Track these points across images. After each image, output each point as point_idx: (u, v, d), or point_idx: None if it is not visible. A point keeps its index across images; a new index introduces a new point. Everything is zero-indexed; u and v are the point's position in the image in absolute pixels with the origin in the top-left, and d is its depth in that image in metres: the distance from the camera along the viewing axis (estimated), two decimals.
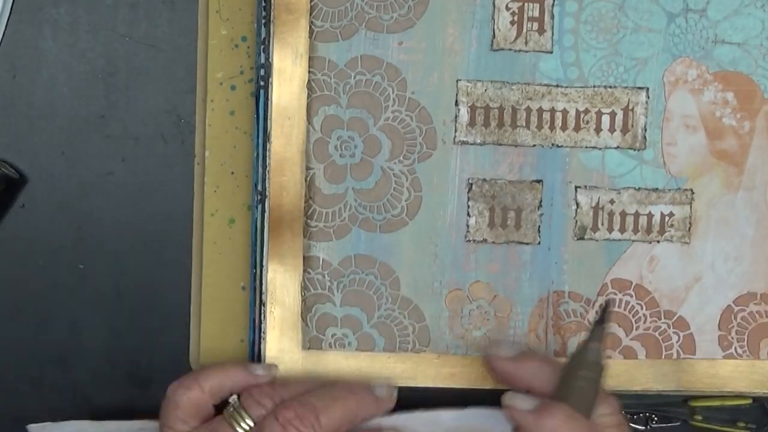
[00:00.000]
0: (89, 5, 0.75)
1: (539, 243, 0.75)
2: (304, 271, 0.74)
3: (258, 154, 0.73)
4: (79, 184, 0.76)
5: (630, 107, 0.75)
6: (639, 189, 0.75)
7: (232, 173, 0.75)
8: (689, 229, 0.75)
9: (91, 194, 0.76)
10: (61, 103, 0.75)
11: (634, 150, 0.75)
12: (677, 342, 0.76)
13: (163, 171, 0.76)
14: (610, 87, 0.75)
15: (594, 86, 0.74)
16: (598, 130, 0.75)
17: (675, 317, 0.75)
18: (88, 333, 0.76)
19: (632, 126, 0.75)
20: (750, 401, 0.77)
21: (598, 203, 0.75)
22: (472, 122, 0.74)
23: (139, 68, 0.75)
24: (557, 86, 0.74)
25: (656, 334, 0.75)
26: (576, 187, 0.75)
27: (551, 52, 0.74)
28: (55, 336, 0.76)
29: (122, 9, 0.75)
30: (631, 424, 0.77)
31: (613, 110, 0.75)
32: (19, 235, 0.76)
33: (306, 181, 0.73)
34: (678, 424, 0.77)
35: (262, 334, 0.74)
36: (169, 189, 0.76)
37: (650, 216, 0.75)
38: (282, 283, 0.73)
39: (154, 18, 0.75)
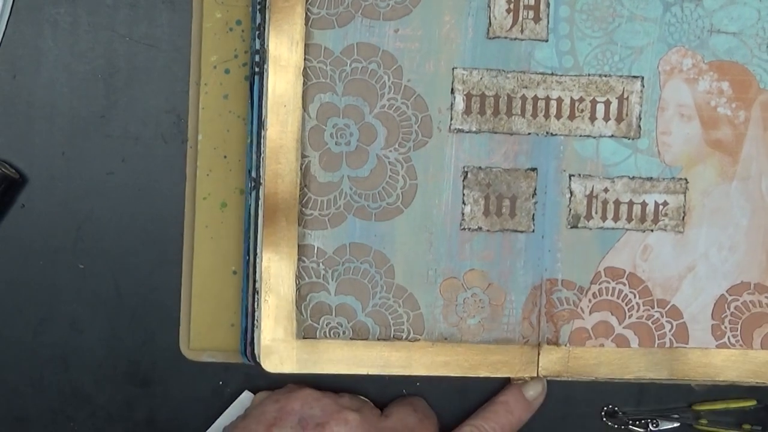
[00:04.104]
0: (89, 5, 0.74)
1: (533, 231, 0.75)
2: (299, 259, 0.73)
3: (252, 141, 0.73)
4: (79, 184, 0.75)
5: (625, 96, 0.74)
6: (633, 178, 0.75)
7: (225, 157, 0.75)
8: (683, 218, 0.75)
9: (91, 194, 0.75)
10: (61, 103, 0.75)
11: (629, 139, 0.75)
12: (670, 331, 0.76)
13: (163, 171, 0.75)
14: (605, 76, 0.74)
15: (589, 75, 0.74)
16: (592, 118, 0.74)
17: (668, 306, 0.76)
18: (88, 333, 0.76)
19: (627, 115, 0.75)
20: (755, 403, 0.77)
21: (592, 192, 0.75)
22: (467, 110, 0.74)
23: (139, 68, 0.75)
24: (552, 75, 0.74)
25: (649, 322, 0.76)
26: (570, 176, 0.75)
27: (546, 41, 0.74)
28: (55, 336, 0.76)
29: (122, 9, 0.74)
30: (630, 427, 0.78)
31: (607, 99, 0.74)
32: (19, 235, 0.75)
33: (301, 169, 0.73)
34: (677, 425, 0.77)
35: (255, 322, 0.73)
36: (169, 189, 0.75)
37: (644, 205, 0.75)
38: (276, 272, 0.73)
39: (154, 18, 0.75)
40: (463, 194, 0.74)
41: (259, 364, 0.73)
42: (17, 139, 0.75)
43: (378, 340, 0.74)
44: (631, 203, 0.75)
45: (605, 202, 0.75)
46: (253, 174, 0.73)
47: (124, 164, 0.75)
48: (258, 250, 0.73)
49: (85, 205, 0.75)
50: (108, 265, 0.76)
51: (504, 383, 0.76)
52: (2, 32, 0.74)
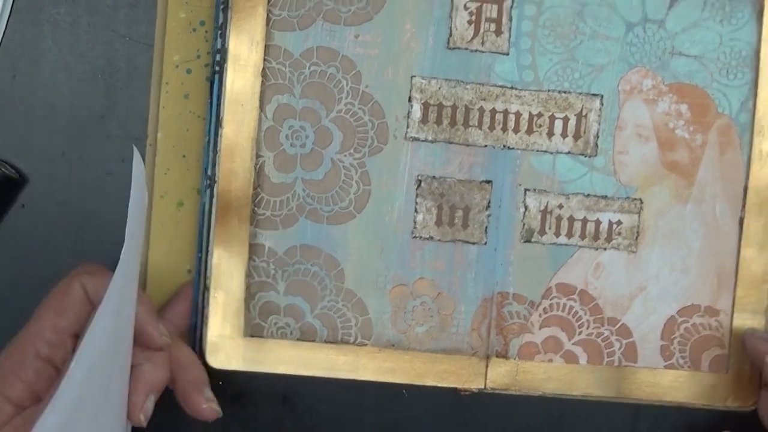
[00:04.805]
0: (89, 5, 0.75)
1: (486, 243, 0.75)
2: (250, 258, 0.74)
3: (210, 139, 0.73)
4: (79, 184, 0.76)
5: (583, 113, 0.75)
6: (588, 195, 0.75)
7: (184, 156, 0.75)
8: (636, 238, 0.75)
9: (91, 194, 0.76)
10: (61, 103, 0.75)
11: (586, 156, 0.75)
12: (619, 349, 0.76)
13: None
14: (565, 92, 0.75)
15: (549, 90, 0.75)
16: (550, 134, 0.75)
17: (618, 324, 0.75)
18: None
19: (585, 132, 0.75)
20: None
21: (546, 207, 0.75)
22: (424, 119, 0.74)
23: (139, 68, 0.75)
24: (512, 88, 0.74)
25: (599, 340, 0.75)
26: (525, 190, 0.75)
27: (507, 54, 0.74)
28: None
29: (122, 9, 0.75)
30: None
31: (566, 115, 0.75)
32: (19, 235, 0.76)
33: (255, 168, 0.73)
34: None
35: (204, 318, 0.73)
36: None
37: (598, 223, 0.75)
38: (226, 270, 0.73)
39: (155, 18, 0.75)
40: (416, 203, 0.74)
41: (205, 361, 0.74)
42: (17, 139, 0.75)
43: (325, 342, 0.74)
44: (585, 220, 0.75)
45: (559, 218, 0.75)
46: (209, 172, 0.73)
47: (124, 164, 0.76)
48: (210, 247, 0.73)
49: (85, 205, 0.75)
50: (108, 266, 0.76)
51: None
52: (2, 32, 0.74)
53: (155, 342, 0.67)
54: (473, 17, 0.74)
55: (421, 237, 0.74)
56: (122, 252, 0.63)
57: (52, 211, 0.75)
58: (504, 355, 0.75)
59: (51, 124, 0.75)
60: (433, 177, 0.74)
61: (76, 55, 0.75)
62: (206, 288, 0.73)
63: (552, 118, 0.75)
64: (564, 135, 0.75)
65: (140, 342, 0.67)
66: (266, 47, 0.73)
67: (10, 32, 0.75)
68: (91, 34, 0.75)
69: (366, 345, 0.74)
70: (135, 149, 0.64)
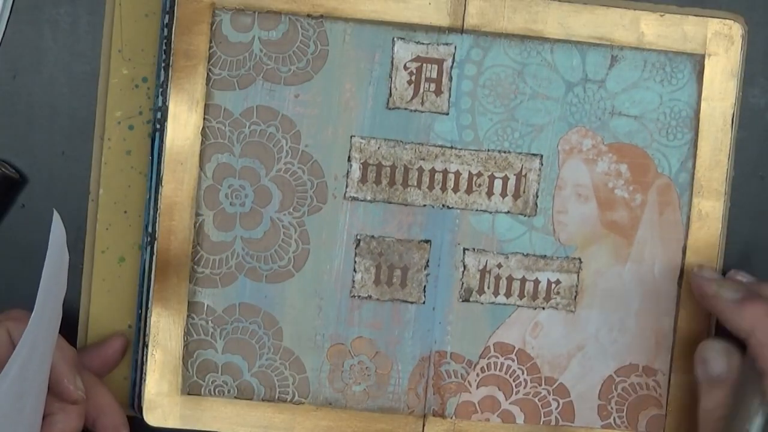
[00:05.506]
0: (89, 5, 0.75)
1: (424, 302, 0.75)
2: (188, 316, 0.74)
3: (150, 197, 0.73)
4: (79, 184, 0.76)
5: (523, 173, 0.75)
6: (527, 255, 0.75)
7: (125, 212, 0.75)
8: (575, 297, 0.76)
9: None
10: (61, 103, 0.75)
11: (525, 216, 0.75)
12: (556, 409, 0.76)
13: None
14: (505, 152, 0.75)
15: (488, 150, 0.75)
16: (489, 193, 0.75)
17: (556, 384, 0.76)
18: None
19: (524, 192, 0.75)
20: None
21: (485, 266, 0.75)
22: (363, 179, 0.74)
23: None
24: (451, 148, 0.75)
25: (536, 399, 0.76)
26: (464, 249, 0.75)
27: (447, 114, 0.75)
28: None
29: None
30: None
31: (506, 175, 0.75)
32: (19, 235, 0.76)
33: (195, 226, 0.74)
34: None
35: (143, 375, 0.74)
36: None
37: (537, 282, 0.75)
38: (165, 327, 0.73)
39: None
40: (355, 262, 0.75)
41: (142, 418, 0.74)
42: (17, 139, 0.75)
43: (262, 400, 0.75)
44: (523, 280, 0.75)
45: (498, 278, 0.75)
46: (150, 229, 0.73)
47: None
48: (149, 304, 0.73)
49: (84, 205, 0.75)
50: None
51: None
52: (2, 32, 0.74)
53: (71, 396, 0.68)
54: (413, 77, 0.74)
55: (359, 296, 0.75)
56: (36, 304, 0.63)
57: (52, 211, 0.75)
58: (441, 414, 0.75)
59: (51, 124, 0.75)
60: (372, 236, 0.75)
61: (76, 55, 0.75)
62: (145, 345, 0.74)
63: (491, 178, 0.75)
64: (503, 194, 0.75)
65: (56, 393, 0.68)
66: (206, 106, 0.73)
67: (10, 32, 0.75)
68: (91, 34, 0.75)
69: (303, 403, 0.75)
70: (55, 213, 0.64)
